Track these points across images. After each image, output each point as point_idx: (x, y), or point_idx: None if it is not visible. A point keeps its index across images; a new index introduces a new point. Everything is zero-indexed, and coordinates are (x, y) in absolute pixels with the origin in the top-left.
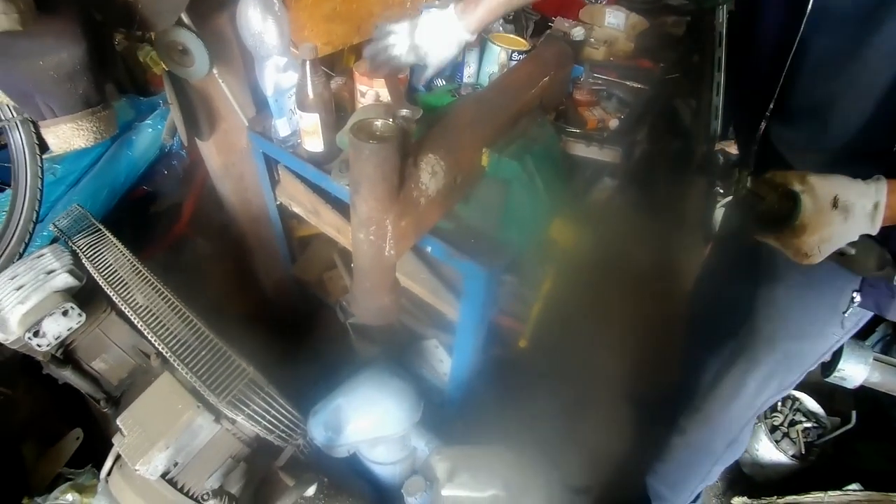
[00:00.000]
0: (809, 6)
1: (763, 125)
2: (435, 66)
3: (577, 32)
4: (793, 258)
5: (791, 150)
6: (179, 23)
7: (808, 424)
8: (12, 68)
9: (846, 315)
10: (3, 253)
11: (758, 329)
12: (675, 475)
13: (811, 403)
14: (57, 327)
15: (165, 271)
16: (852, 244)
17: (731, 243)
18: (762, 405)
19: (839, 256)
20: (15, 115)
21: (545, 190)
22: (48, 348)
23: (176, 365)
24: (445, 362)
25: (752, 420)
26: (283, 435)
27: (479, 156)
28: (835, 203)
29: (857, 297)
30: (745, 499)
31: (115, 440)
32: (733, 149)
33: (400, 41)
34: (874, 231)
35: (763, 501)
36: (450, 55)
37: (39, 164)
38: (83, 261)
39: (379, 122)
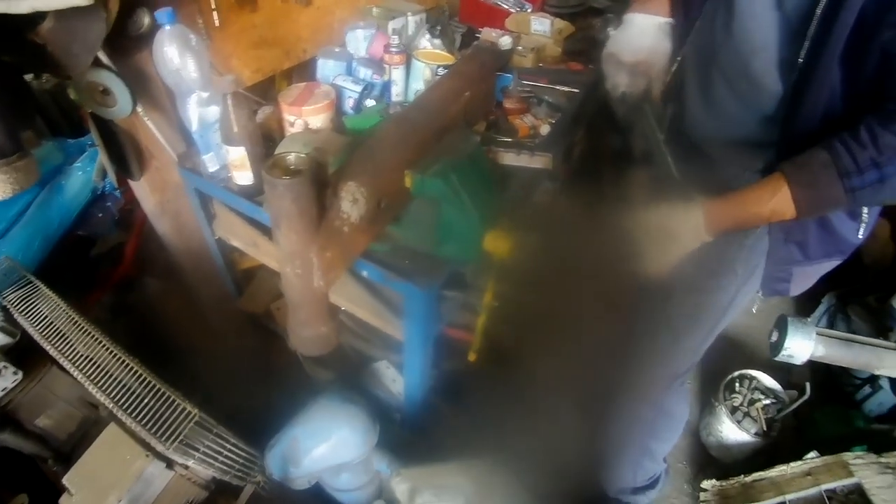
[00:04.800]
0: None
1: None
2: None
3: (505, 41)
4: None
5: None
6: (97, 62)
7: (767, 401)
8: None
9: (739, 258)
10: None
11: (666, 293)
12: (613, 455)
13: (768, 380)
14: None
15: (113, 313)
16: None
17: None
18: (677, 366)
19: None
20: None
21: (473, 204)
22: None
23: (118, 415)
24: (398, 381)
25: (674, 385)
26: (240, 474)
27: (402, 178)
28: None
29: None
30: (714, 481)
31: (63, 501)
32: None
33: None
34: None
35: (732, 482)
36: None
37: None
38: (15, 316)
39: (292, 156)
